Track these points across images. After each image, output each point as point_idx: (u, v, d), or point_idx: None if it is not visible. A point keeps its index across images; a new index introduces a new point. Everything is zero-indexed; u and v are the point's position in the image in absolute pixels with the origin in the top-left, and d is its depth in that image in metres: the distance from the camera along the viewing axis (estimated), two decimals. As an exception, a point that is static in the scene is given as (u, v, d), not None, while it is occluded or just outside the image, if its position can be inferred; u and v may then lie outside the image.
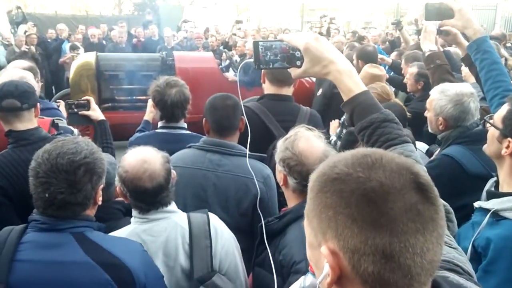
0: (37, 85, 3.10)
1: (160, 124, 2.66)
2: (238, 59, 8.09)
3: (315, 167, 1.58)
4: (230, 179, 2.13)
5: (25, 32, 10.01)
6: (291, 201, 1.77)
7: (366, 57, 4.52)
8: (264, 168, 2.19)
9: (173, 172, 1.77)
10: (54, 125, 2.67)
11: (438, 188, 0.75)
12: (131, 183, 1.64)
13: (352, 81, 1.22)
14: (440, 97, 2.35)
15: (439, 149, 2.56)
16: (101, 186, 1.53)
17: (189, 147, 2.27)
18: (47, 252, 1.38)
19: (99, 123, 2.64)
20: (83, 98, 2.69)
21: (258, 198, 2.04)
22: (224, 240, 1.77)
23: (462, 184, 2.17)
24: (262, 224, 1.73)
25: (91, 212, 1.52)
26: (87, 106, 2.63)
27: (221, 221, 1.84)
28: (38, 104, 2.34)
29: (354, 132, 1.32)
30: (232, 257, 1.78)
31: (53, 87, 10.48)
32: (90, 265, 1.35)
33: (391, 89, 3.18)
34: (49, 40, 10.37)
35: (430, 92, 2.48)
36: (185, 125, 2.67)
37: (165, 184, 1.68)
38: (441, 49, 3.01)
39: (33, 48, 8.76)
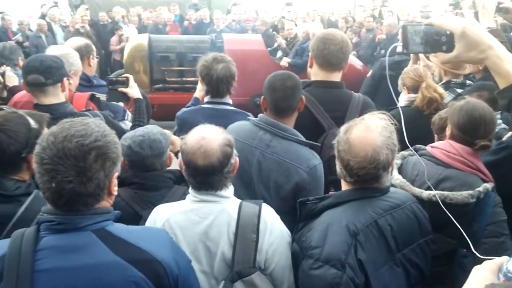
0: (93, 62, 3.22)
1: (205, 99, 2.69)
2: (284, 42, 8.02)
3: (356, 160, 1.55)
4: (274, 162, 2.09)
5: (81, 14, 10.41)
6: (343, 187, 1.70)
7: None
8: (313, 158, 2.11)
9: (236, 159, 1.70)
10: (94, 99, 2.73)
11: None
12: (185, 157, 1.62)
13: None
14: None
15: None
16: (116, 174, 1.32)
17: (248, 119, 2.26)
18: (71, 256, 1.21)
19: (135, 100, 2.67)
20: (122, 75, 2.73)
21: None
22: (274, 237, 1.66)
23: None
24: (300, 201, 1.69)
25: (107, 203, 1.33)
26: (126, 83, 2.66)
27: (276, 217, 1.74)
28: (67, 79, 2.38)
29: None
30: (281, 256, 1.66)
31: (108, 69, 10.90)
32: (120, 264, 1.22)
33: (425, 72, 3.06)
34: (101, 23, 10.70)
35: None
36: (230, 101, 2.68)
37: (218, 166, 1.61)
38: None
39: (87, 27, 9.09)
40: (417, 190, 1.91)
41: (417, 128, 2.58)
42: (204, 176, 1.62)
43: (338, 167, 1.63)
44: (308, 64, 2.59)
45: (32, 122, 1.73)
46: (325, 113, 2.36)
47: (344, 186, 1.68)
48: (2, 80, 2.91)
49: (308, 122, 2.33)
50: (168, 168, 2.11)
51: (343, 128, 1.63)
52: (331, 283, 1.44)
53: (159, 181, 1.98)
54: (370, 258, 1.50)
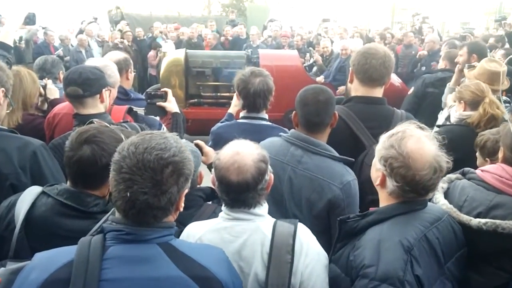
0: (131, 75, 3.25)
1: (241, 114, 2.65)
2: (320, 59, 7.94)
3: (423, 173, 1.48)
4: (306, 179, 2.03)
5: (119, 30, 10.71)
6: (383, 202, 1.63)
7: (479, 51, 4.09)
8: (346, 173, 2.04)
9: (271, 176, 1.65)
10: (132, 113, 2.74)
11: None
12: (218, 172, 1.58)
13: None
14: None
15: None
16: (186, 191, 1.36)
17: (279, 136, 2.20)
18: (137, 267, 1.23)
19: (172, 115, 2.67)
20: (161, 89, 2.75)
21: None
22: (310, 259, 1.58)
23: None
24: (340, 219, 1.62)
25: (172, 218, 1.37)
26: (164, 97, 2.68)
27: (313, 237, 1.67)
28: (106, 90, 2.40)
29: None
30: (317, 279, 1.58)
31: (145, 83, 11.12)
32: (183, 279, 1.23)
33: (487, 87, 2.88)
34: (138, 38, 10.98)
35: None
36: (266, 116, 2.63)
37: (252, 182, 1.56)
38: None
39: (126, 43, 9.33)
40: (465, 217, 1.76)
41: (467, 147, 2.44)
42: (237, 193, 1.58)
43: (395, 184, 1.54)
44: (348, 80, 2.51)
45: (123, 136, 1.74)
46: (365, 130, 2.27)
47: (386, 201, 1.61)
48: (43, 92, 2.96)
49: (348, 139, 2.26)
50: (198, 187, 2.05)
51: (388, 143, 1.56)
52: None
53: (188, 200, 1.91)
54: (425, 274, 1.44)
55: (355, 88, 2.42)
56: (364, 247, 1.50)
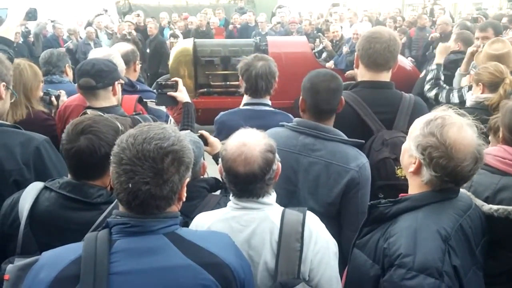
0: (138, 67, 3.23)
1: (244, 100, 2.65)
2: (329, 44, 7.84)
3: (464, 164, 1.42)
4: (322, 166, 2.00)
5: (129, 21, 10.64)
6: (415, 189, 1.56)
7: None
8: (360, 156, 2.03)
9: (278, 165, 1.64)
10: (142, 103, 2.74)
11: None
12: (226, 163, 1.58)
13: None
14: None
15: None
16: (187, 180, 1.36)
17: (282, 125, 2.17)
18: (146, 259, 1.24)
19: (184, 104, 2.66)
20: (171, 79, 2.73)
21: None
22: (319, 246, 1.58)
23: None
24: (371, 204, 1.58)
25: (176, 208, 1.37)
26: (175, 87, 2.66)
27: (322, 225, 1.66)
28: (118, 83, 2.38)
29: None
30: (327, 267, 1.58)
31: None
32: (193, 267, 1.24)
33: (506, 68, 2.81)
34: (150, 35, 10.84)
35: None
36: (269, 102, 2.62)
37: (260, 173, 1.55)
38: None
39: (134, 33, 9.27)
40: (479, 202, 1.72)
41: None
42: (245, 184, 1.57)
43: (433, 174, 1.47)
44: (354, 65, 2.47)
45: (118, 124, 1.73)
46: (373, 115, 2.23)
47: (418, 189, 1.54)
48: (56, 103, 2.91)
49: (355, 125, 2.23)
50: (202, 177, 2.05)
51: (427, 130, 1.47)
52: None
53: (192, 191, 1.91)
54: (462, 264, 1.40)
55: (361, 73, 2.38)
56: (400, 235, 1.44)
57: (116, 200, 1.63)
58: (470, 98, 2.87)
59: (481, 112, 2.68)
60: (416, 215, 1.47)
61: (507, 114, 1.88)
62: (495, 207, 1.66)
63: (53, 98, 2.90)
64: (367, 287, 1.50)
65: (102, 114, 1.78)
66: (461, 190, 1.66)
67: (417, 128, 1.51)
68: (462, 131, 1.45)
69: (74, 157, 1.62)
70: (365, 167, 2.01)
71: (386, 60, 2.29)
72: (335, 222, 1.98)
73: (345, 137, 2.05)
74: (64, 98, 2.99)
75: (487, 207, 1.68)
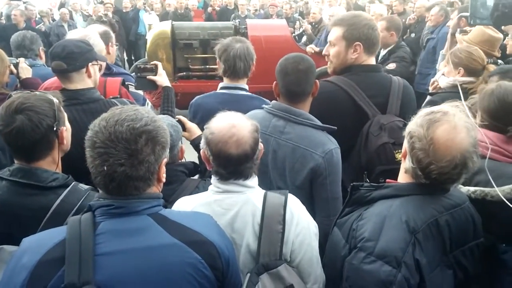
0: (112, 49, 3.16)
1: (220, 85, 2.63)
2: (309, 28, 7.82)
3: (440, 164, 1.39)
4: (289, 149, 2.01)
5: (102, 2, 10.40)
6: (400, 175, 1.58)
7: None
8: (328, 142, 2.01)
9: (261, 145, 1.64)
10: (125, 86, 2.69)
11: None
12: (215, 147, 1.55)
13: None
14: None
15: None
16: (165, 160, 1.36)
17: (262, 108, 2.17)
18: (131, 239, 1.24)
19: (163, 88, 2.62)
20: (151, 62, 2.68)
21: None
22: (301, 228, 1.60)
23: None
24: (353, 185, 1.59)
25: (156, 190, 1.37)
26: (154, 70, 2.61)
27: (302, 206, 1.68)
28: (93, 64, 2.31)
29: None
30: (308, 248, 1.61)
31: (132, 56, 10.90)
32: (178, 246, 1.25)
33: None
34: (124, 11, 10.68)
35: None
36: (246, 87, 2.60)
37: (251, 153, 1.56)
38: None
39: (110, 15, 9.07)
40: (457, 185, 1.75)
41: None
42: (236, 165, 1.57)
43: (411, 164, 1.47)
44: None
45: (50, 96, 1.68)
46: (368, 100, 2.23)
47: (405, 178, 1.55)
48: (15, 71, 2.83)
49: (350, 110, 2.22)
50: (180, 161, 2.03)
51: (421, 119, 1.46)
52: (384, 280, 1.34)
53: (169, 176, 1.89)
54: (427, 259, 1.39)
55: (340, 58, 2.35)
56: (369, 219, 1.46)
57: (73, 183, 1.63)
58: (446, 80, 2.89)
59: (456, 95, 2.72)
60: (392, 203, 1.47)
61: (485, 98, 1.91)
62: (472, 189, 1.68)
63: (12, 67, 2.81)
64: (339, 266, 1.51)
65: (29, 92, 1.72)
66: (461, 189, 1.67)
67: (417, 116, 1.51)
68: (453, 132, 1.40)
69: (17, 137, 1.58)
70: (332, 153, 2.00)
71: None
72: (305, 206, 2.00)
73: (317, 122, 2.04)
74: (23, 65, 2.93)
75: (464, 189, 1.70)
